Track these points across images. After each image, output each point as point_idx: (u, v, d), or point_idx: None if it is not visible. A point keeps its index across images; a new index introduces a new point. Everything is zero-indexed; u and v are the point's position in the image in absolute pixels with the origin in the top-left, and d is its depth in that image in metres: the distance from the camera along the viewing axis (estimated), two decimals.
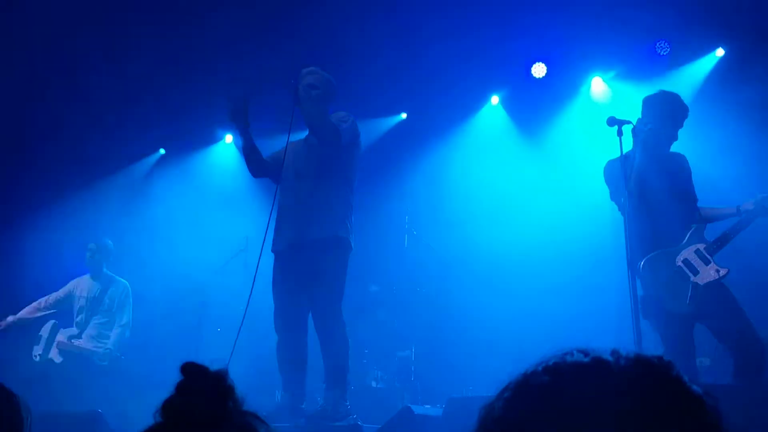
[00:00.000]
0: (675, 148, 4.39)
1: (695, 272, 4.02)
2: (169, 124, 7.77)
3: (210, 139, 8.23)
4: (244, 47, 6.73)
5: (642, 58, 6.63)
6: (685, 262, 4.06)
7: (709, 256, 4.06)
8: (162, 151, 8.29)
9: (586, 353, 0.90)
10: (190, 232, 7.41)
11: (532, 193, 6.84)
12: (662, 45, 6.51)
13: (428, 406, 5.40)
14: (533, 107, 7.19)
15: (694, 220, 4.19)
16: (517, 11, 6.28)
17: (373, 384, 6.26)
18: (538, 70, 6.92)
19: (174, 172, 8.07)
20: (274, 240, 4.55)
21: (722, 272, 4.00)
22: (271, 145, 4.82)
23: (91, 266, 6.34)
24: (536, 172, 6.95)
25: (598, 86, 6.93)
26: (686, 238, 4.11)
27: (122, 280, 6.40)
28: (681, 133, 4.36)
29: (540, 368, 0.91)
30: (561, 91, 7.06)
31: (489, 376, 5.95)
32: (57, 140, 7.44)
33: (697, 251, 4.07)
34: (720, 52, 6.52)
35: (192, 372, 0.96)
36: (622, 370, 0.87)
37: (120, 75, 6.89)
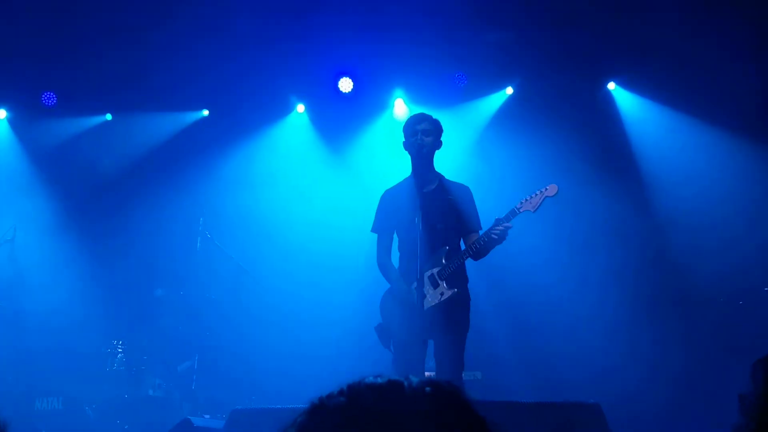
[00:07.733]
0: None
1: (423, 297, 3.97)
2: None
3: None
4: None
5: (441, 85, 7.00)
6: (416, 287, 3.99)
7: (439, 279, 4.03)
8: None
9: (380, 376, 0.95)
10: None
11: (333, 204, 6.90)
12: (460, 77, 6.94)
13: (208, 417, 5.21)
14: (337, 119, 7.28)
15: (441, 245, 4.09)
16: (328, 23, 6.34)
17: (151, 392, 5.86)
18: (345, 84, 7.01)
19: None
20: None
21: (446, 294, 4.00)
22: None
23: None
24: (338, 183, 7.03)
25: (400, 107, 7.20)
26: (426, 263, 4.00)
27: None
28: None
29: (337, 390, 0.94)
30: (366, 108, 7.23)
31: (275, 387, 5.87)
32: None
33: (430, 276, 4.04)
34: (509, 90, 7.10)
35: None
36: (415, 392, 0.93)
37: None
